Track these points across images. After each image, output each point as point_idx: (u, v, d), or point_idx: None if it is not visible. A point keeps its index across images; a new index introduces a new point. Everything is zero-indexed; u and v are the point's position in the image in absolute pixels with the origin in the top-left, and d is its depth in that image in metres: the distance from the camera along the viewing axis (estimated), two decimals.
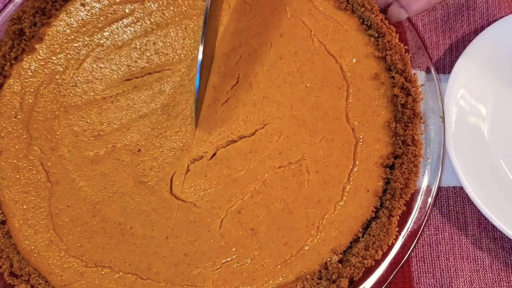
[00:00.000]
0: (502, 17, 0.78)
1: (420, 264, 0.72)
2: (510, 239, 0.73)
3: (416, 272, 0.72)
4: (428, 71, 0.73)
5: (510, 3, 0.81)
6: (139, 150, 0.69)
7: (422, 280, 0.72)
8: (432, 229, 0.74)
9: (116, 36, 0.73)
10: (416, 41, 0.74)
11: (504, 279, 0.72)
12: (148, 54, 0.72)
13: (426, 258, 0.73)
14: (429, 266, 0.72)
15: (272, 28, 0.73)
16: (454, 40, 0.81)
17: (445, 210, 0.75)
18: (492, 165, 0.73)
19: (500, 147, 0.74)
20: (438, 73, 0.75)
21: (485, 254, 0.73)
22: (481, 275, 0.72)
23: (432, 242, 0.73)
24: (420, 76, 0.73)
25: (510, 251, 0.73)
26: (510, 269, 0.72)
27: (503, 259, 0.73)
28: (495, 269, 0.72)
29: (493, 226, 0.72)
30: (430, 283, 0.72)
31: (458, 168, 0.71)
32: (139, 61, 0.72)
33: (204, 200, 0.68)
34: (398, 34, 0.73)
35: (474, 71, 0.75)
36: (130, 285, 0.66)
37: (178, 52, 0.73)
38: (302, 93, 0.72)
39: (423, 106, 0.72)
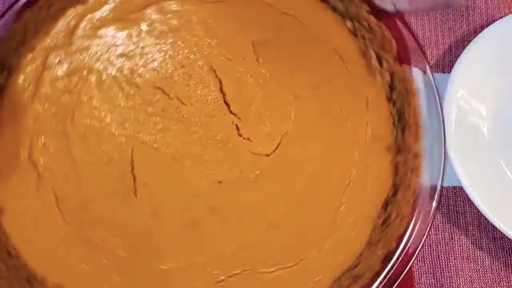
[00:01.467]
0: (501, 17, 0.78)
1: (420, 264, 0.72)
2: (510, 239, 0.73)
3: (417, 272, 0.72)
4: (424, 71, 0.72)
5: (510, 3, 0.81)
6: None
7: (422, 280, 0.72)
8: (432, 229, 0.74)
9: None
10: (411, 42, 0.73)
11: (504, 279, 0.72)
12: None
13: (426, 258, 0.73)
14: (429, 266, 0.72)
15: None
16: (453, 40, 0.81)
17: (445, 210, 0.75)
18: (492, 165, 0.73)
19: (500, 147, 0.74)
20: (437, 73, 0.76)
21: (485, 254, 0.73)
22: (481, 275, 0.72)
23: (432, 242, 0.73)
24: (417, 76, 0.72)
25: (510, 251, 0.73)
26: (510, 269, 0.72)
27: (503, 259, 0.73)
28: (495, 269, 0.72)
29: (493, 226, 0.72)
30: (430, 283, 0.72)
31: (458, 168, 0.71)
32: None
33: None
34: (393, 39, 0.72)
35: (473, 71, 0.75)
36: None
37: None
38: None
39: (423, 106, 0.71)
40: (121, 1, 0.72)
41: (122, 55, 0.70)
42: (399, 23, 0.73)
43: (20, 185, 0.66)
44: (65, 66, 0.69)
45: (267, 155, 0.69)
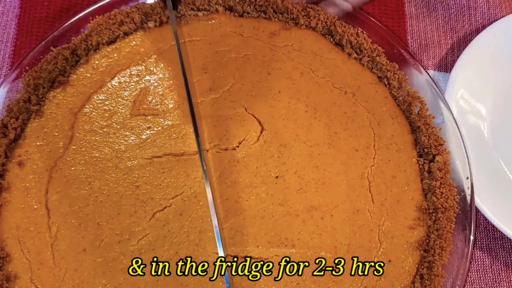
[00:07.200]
0: (503, 16, 0.78)
1: None
2: (510, 239, 0.73)
3: None
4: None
5: (511, 2, 0.80)
6: None
7: None
8: None
9: None
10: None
11: (504, 279, 0.72)
12: None
13: None
14: None
15: None
16: (455, 40, 0.81)
17: None
18: (492, 165, 0.73)
19: (500, 147, 0.74)
20: (440, 72, 0.76)
21: (485, 254, 0.73)
22: (481, 275, 0.72)
23: None
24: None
25: (510, 251, 0.73)
26: (510, 269, 0.72)
27: (503, 259, 0.72)
28: (495, 269, 0.72)
29: (493, 226, 0.72)
30: None
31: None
32: None
33: None
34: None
35: (474, 71, 0.75)
36: None
37: None
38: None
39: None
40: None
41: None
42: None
43: None
44: None
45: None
